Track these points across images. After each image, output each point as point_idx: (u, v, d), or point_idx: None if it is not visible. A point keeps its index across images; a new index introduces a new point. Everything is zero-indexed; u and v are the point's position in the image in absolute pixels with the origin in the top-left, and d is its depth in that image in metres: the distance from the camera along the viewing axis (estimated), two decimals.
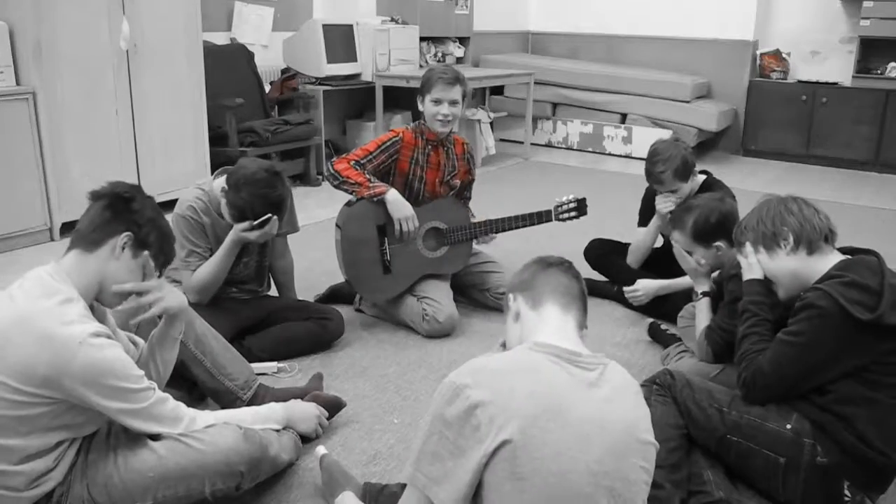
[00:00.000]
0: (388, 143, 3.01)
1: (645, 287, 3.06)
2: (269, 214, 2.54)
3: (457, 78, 3.03)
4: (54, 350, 1.55)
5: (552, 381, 1.32)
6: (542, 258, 1.58)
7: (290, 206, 2.79)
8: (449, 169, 3.16)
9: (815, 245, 1.90)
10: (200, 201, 2.59)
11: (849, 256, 1.91)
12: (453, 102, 3.01)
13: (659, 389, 2.01)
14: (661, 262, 3.30)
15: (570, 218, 3.19)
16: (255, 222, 2.50)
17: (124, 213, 1.73)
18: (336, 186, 2.96)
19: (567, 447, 1.27)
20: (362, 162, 2.96)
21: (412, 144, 3.05)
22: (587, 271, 3.54)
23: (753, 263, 2.03)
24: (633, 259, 3.36)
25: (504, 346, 1.61)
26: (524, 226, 3.16)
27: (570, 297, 1.50)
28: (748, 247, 2.03)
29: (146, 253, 1.76)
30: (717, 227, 2.47)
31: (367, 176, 2.94)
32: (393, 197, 2.93)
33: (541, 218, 3.15)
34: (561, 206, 3.16)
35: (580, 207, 3.18)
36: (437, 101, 3.00)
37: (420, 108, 3.07)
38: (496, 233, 3.20)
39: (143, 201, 1.77)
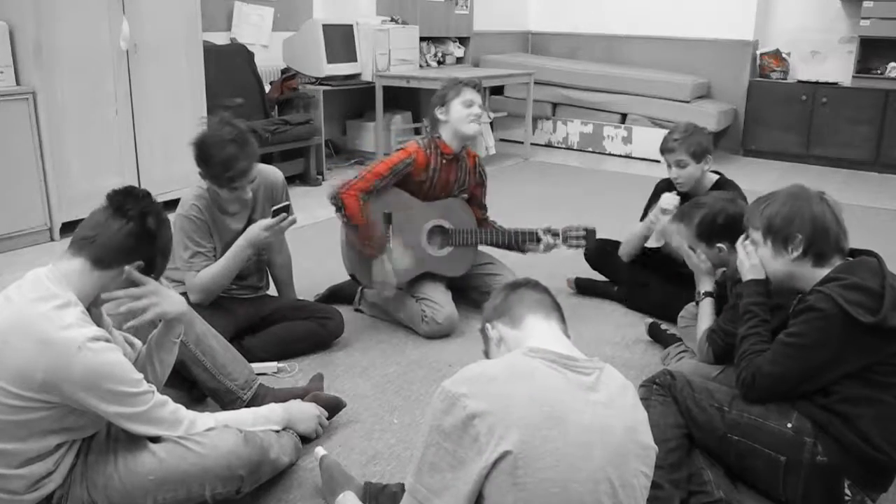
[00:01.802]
0: (401, 167, 2.98)
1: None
2: (285, 204, 2.59)
3: (477, 86, 3.09)
4: (53, 355, 1.55)
5: (550, 388, 1.30)
6: (508, 284, 1.59)
7: (286, 196, 2.80)
8: (459, 184, 3.16)
9: (823, 258, 1.87)
10: (203, 199, 2.60)
11: (849, 258, 1.90)
12: (481, 105, 3.06)
13: (659, 389, 2.01)
14: (661, 261, 3.29)
15: (578, 246, 3.16)
16: (272, 213, 2.52)
17: (147, 247, 1.71)
18: (339, 216, 2.94)
19: (569, 456, 1.25)
20: (372, 189, 2.92)
21: (424, 165, 3.02)
22: (587, 271, 3.54)
23: (756, 264, 2.02)
24: (624, 251, 3.31)
25: None
26: (529, 241, 3.15)
27: (548, 309, 1.50)
28: (756, 235, 1.98)
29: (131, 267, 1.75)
30: (723, 228, 2.44)
31: (369, 229, 2.91)
32: (378, 270, 2.94)
33: (546, 235, 3.12)
34: (570, 230, 3.14)
35: (589, 239, 3.15)
36: (469, 103, 3.02)
37: (443, 117, 3.03)
38: (500, 243, 3.19)
39: (166, 234, 1.75)
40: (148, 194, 1.74)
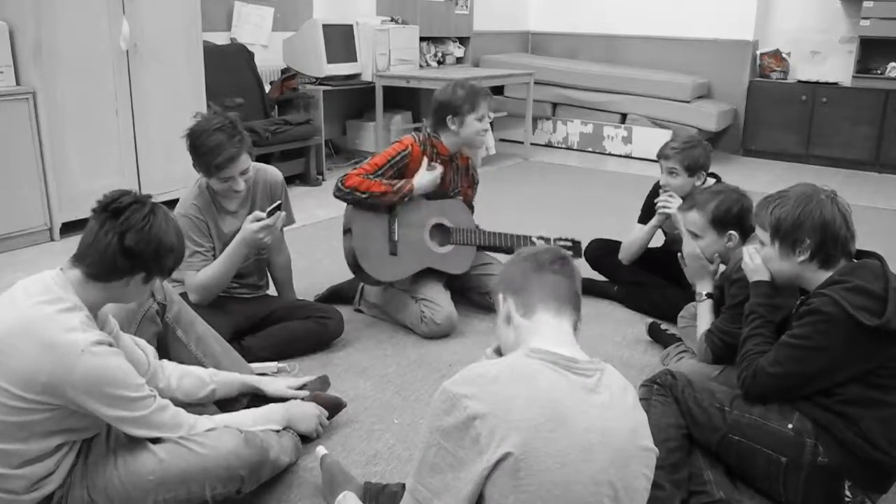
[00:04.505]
0: (398, 158, 2.99)
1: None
2: (278, 203, 2.58)
3: (489, 97, 3.10)
4: (56, 358, 1.55)
5: (552, 389, 1.29)
6: (535, 255, 1.49)
7: (286, 196, 2.81)
8: (454, 185, 3.18)
9: (830, 262, 1.86)
10: (202, 198, 2.61)
11: (853, 260, 1.90)
12: (489, 116, 3.07)
13: (660, 389, 2.01)
14: (661, 262, 3.29)
15: None
16: (266, 214, 2.52)
17: (136, 261, 1.66)
18: (357, 203, 2.94)
19: (570, 458, 1.25)
20: (372, 177, 2.94)
21: (420, 159, 3.03)
22: (587, 271, 3.54)
23: (760, 265, 2.02)
24: (625, 255, 3.33)
25: (497, 351, 1.55)
26: (522, 245, 3.15)
27: (563, 301, 1.44)
28: (763, 235, 1.95)
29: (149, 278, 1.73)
30: (737, 218, 2.43)
31: (386, 182, 2.93)
32: (419, 184, 2.97)
33: (539, 241, 3.16)
34: (560, 239, 3.18)
35: (575, 250, 3.19)
36: (482, 118, 3.03)
37: (454, 127, 3.03)
38: (496, 246, 3.21)
39: (153, 243, 1.68)
40: (130, 204, 1.66)
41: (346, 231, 2.99)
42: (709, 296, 2.50)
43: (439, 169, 3.03)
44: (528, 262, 1.48)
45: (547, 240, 3.16)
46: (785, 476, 1.85)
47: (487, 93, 3.09)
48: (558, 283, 1.45)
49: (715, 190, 2.56)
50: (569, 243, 3.18)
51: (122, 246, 1.63)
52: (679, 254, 2.61)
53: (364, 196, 2.92)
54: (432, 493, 1.28)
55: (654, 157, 3.24)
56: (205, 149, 2.46)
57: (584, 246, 3.27)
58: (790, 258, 1.90)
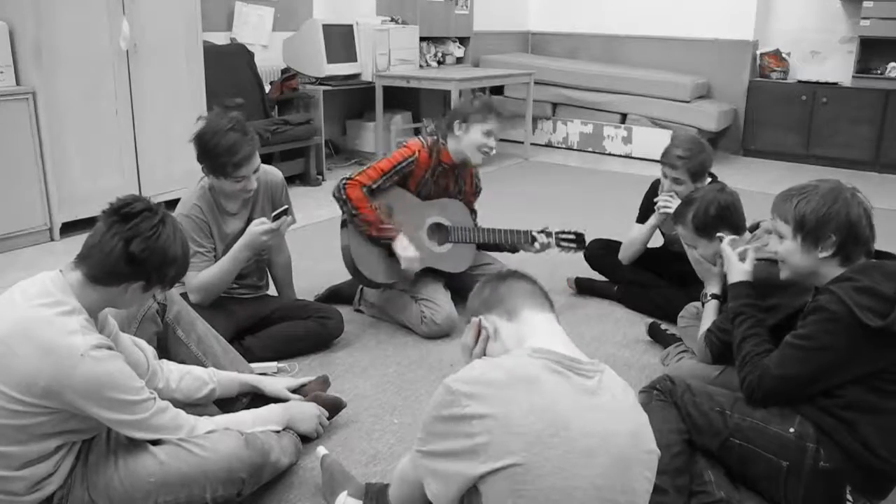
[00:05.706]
0: (405, 164, 3.00)
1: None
2: (284, 207, 2.59)
3: (500, 114, 3.10)
4: (56, 362, 1.54)
5: (554, 393, 1.28)
6: (492, 275, 1.55)
7: (286, 196, 2.81)
8: (455, 193, 3.19)
9: (850, 260, 1.85)
10: (205, 199, 2.61)
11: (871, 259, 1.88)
12: (496, 136, 3.05)
13: (659, 395, 2.00)
14: (661, 262, 3.29)
15: (569, 249, 3.19)
16: (272, 218, 2.53)
17: (138, 269, 1.64)
18: (347, 213, 2.94)
19: (572, 464, 1.24)
20: (374, 186, 2.94)
21: (425, 165, 3.04)
22: (587, 271, 3.54)
23: (747, 269, 2.01)
24: (625, 255, 3.32)
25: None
26: (525, 241, 3.17)
27: (542, 300, 1.47)
28: (783, 227, 1.92)
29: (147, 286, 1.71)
30: (718, 218, 2.41)
31: (380, 216, 2.93)
32: (402, 242, 2.94)
33: (541, 235, 3.17)
34: (562, 232, 3.18)
35: (579, 242, 3.20)
36: (489, 133, 3.01)
37: (458, 132, 3.02)
38: (496, 243, 3.21)
39: (158, 253, 1.65)
40: (141, 211, 1.65)
41: (343, 225, 2.99)
42: (714, 296, 2.49)
43: (416, 263, 2.98)
44: (489, 281, 1.53)
45: (549, 234, 3.15)
46: (786, 480, 1.84)
47: (501, 113, 3.08)
48: (526, 285, 1.49)
49: (690, 198, 2.53)
50: (572, 236, 3.18)
51: (126, 252, 1.61)
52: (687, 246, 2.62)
53: (354, 213, 2.92)
54: (429, 472, 1.32)
55: (654, 158, 3.24)
56: (221, 149, 2.45)
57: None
58: (811, 253, 1.88)
